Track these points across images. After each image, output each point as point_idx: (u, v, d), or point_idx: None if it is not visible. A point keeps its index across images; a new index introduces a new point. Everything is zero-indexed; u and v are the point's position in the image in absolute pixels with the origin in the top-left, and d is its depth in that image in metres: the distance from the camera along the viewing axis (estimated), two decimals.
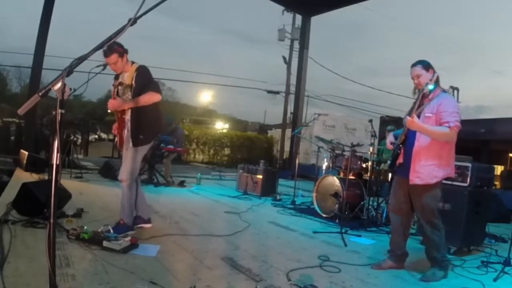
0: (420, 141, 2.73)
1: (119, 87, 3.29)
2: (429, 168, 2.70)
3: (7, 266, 2.26)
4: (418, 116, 2.74)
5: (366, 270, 2.94)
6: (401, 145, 2.85)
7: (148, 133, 3.30)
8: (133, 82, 3.20)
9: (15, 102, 22.71)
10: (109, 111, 3.28)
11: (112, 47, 3.06)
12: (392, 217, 3.06)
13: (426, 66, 2.80)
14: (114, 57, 3.12)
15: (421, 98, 2.79)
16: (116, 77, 3.35)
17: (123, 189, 3.33)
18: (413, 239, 4.09)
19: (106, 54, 3.10)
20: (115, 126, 3.37)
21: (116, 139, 3.44)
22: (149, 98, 3.15)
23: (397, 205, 2.98)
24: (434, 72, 2.79)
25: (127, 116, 3.28)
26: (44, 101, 1.47)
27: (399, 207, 2.97)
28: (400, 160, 2.88)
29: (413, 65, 2.84)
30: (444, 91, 2.79)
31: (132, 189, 3.33)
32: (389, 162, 3.04)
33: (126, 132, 3.31)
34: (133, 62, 3.29)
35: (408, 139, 2.83)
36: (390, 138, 3.04)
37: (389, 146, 3.00)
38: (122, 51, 3.17)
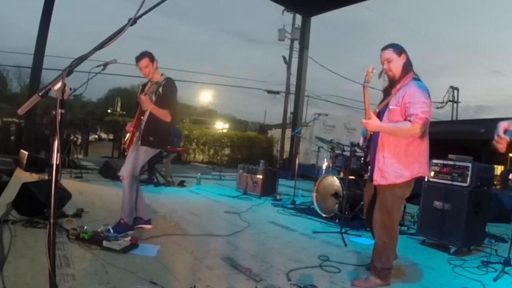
0: (384, 137, 2.47)
1: (154, 85, 3.46)
2: (394, 166, 2.43)
3: (7, 266, 2.26)
4: (386, 109, 2.49)
5: (366, 270, 2.94)
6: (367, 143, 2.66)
7: (157, 138, 3.41)
8: (160, 90, 3.37)
9: (15, 102, 22.68)
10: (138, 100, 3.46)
11: (143, 52, 3.37)
12: (369, 221, 2.79)
13: (399, 50, 2.49)
14: (145, 60, 3.35)
15: (389, 88, 2.57)
16: (143, 88, 3.56)
17: (124, 188, 3.35)
18: (412, 239, 4.09)
19: (138, 59, 3.35)
20: (130, 124, 3.49)
21: (125, 139, 3.52)
22: (162, 114, 3.36)
23: (368, 208, 2.76)
24: (407, 57, 2.51)
25: (145, 118, 3.41)
26: (44, 101, 1.46)
27: (369, 210, 2.73)
28: (368, 158, 2.67)
29: (384, 48, 2.53)
30: (415, 78, 2.49)
31: (133, 188, 3.35)
32: (362, 159, 2.87)
33: (137, 134, 3.42)
34: (162, 74, 3.50)
35: (373, 136, 2.59)
36: (361, 138, 2.85)
37: (361, 140, 2.85)
38: (152, 57, 3.40)
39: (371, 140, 2.62)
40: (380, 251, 2.56)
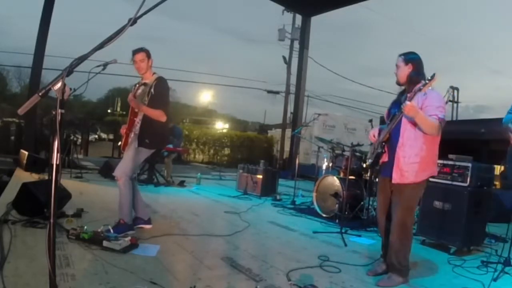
0: (404, 137, 2.58)
1: (142, 87, 3.44)
2: (413, 166, 2.55)
3: (7, 266, 2.26)
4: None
5: (366, 270, 2.94)
6: (384, 143, 2.72)
7: (152, 139, 3.39)
8: (152, 90, 3.33)
9: (15, 102, 22.66)
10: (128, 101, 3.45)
11: (142, 47, 3.38)
12: (381, 220, 2.85)
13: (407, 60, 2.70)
14: (141, 55, 3.34)
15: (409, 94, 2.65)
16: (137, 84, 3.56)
17: (119, 188, 3.36)
18: (413, 239, 4.08)
19: (135, 51, 3.35)
20: (124, 126, 3.48)
21: (120, 141, 3.51)
22: (157, 115, 3.34)
23: (383, 207, 2.81)
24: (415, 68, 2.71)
25: (138, 119, 3.39)
26: (44, 101, 1.46)
27: (384, 209, 2.79)
28: (385, 158, 2.75)
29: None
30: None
31: (128, 188, 3.35)
32: (370, 160, 2.86)
33: (132, 135, 3.39)
34: (154, 73, 3.48)
35: (392, 136, 2.67)
36: (374, 130, 2.90)
37: (372, 138, 2.88)
38: (149, 54, 3.40)
39: (389, 140, 2.71)
40: (399, 251, 2.64)
